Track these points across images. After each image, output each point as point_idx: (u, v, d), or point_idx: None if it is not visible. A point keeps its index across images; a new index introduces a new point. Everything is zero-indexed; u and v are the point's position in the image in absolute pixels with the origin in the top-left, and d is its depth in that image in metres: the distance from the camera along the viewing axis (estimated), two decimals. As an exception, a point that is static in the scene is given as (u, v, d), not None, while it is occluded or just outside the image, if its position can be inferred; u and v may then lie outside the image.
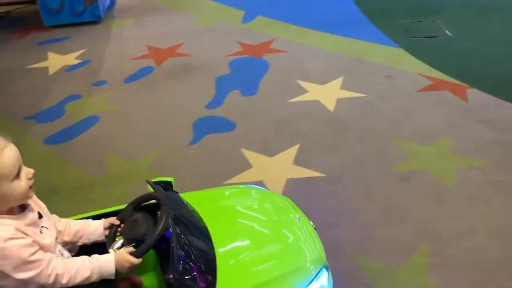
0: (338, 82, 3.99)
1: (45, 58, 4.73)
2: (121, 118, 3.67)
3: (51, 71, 4.47)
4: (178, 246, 1.49)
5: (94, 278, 1.44)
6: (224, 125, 3.49)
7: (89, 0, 5.34)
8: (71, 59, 4.68)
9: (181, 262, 1.48)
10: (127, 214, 1.64)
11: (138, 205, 1.66)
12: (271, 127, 3.45)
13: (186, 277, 1.48)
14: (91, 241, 1.64)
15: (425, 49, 4.48)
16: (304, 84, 3.99)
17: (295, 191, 2.77)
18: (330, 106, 3.66)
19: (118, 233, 1.64)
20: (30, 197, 1.43)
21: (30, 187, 1.40)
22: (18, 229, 1.35)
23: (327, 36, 4.90)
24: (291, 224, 1.87)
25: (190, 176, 2.97)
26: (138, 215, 1.59)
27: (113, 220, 1.65)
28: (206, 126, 3.49)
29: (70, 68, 4.50)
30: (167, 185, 1.81)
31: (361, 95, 3.78)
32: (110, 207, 1.85)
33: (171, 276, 1.45)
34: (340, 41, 4.76)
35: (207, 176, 2.96)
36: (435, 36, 4.74)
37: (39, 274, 1.35)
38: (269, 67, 4.33)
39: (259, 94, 3.89)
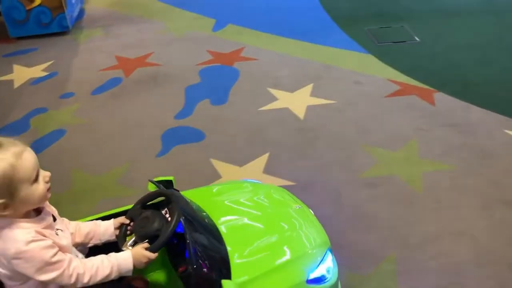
0: (307, 89, 4.00)
1: (11, 71, 4.61)
2: (88, 131, 3.60)
3: (16, 84, 4.36)
4: (193, 240, 1.56)
5: (113, 276, 1.48)
6: (193, 136, 3.45)
7: (56, 10, 5.23)
8: (37, 71, 4.58)
9: (197, 255, 1.55)
10: (136, 212, 1.68)
11: (146, 203, 1.71)
12: (240, 136, 3.42)
13: (204, 269, 1.55)
14: (102, 241, 1.67)
15: (393, 54, 4.53)
16: (275, 92, 3.99)
17: (264, 201, 2.76)
18: (300, 113, 3.66)
19: (128, 232, 1.68)
20: (47, 199, 1.48)
21: (48, 190, 1.44)
22: (37, 232, 1.38)
23: (297, 43, 4.91)
24: (288, 215, 1.94)
25: (158, 188, 2.92)
26: (148, 213, 1.64)
27: (123, 219, 1.69)
28: (174, 137, 3.45)
29: (36, 81, 4.39)
30: (168, 184, 1.84)
31: (330, 102, 3.79)
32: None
33: (189, 267, 1.53)
34: (310, 48, 4.78)
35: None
36: (403, 41, 4.80)
37: (61, 274, 1.39)
38: (239, 75, 4.32)
39: (229, 103, 3.87)
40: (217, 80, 4.25)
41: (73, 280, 1.41)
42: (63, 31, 5.36)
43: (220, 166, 3.11)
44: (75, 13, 5.71)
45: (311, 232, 1.87)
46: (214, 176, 3.01)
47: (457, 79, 4.06)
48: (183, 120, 3.65)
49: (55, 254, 1.38)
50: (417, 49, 4.65)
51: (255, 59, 4.61)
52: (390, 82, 4.03)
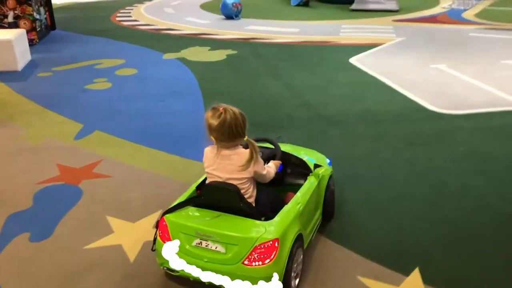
0: (152, 218, 3.44)
1: None
2: None
3: None
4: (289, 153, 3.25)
5: (273, 175, 2.82)
6: (-17, 291, 2.74)
7: None
8: None
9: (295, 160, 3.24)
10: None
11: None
12: (44, 291, 2.75)
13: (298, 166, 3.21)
14: None
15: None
16: (113, 222, 3.41)
17: None
18: (132, 253, 3.07)
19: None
20: None
21: None
22: None
23: (163, 157, 4.44)
24: (302, 148, 3.55)
25: None
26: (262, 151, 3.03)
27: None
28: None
29: None
30: None
31: (173, 236, 3.24)
32: None
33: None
34: (175, 163, 4.31)
35: None
36: (276, 155, 4.45)
37: (266, 171, 2.73)
38: (81, 198, 3.73)
39: (52, 238, 3.22)
40: (52, 205, 3.62)
41: (268, 176, 2.75)
42: None
43: None
44: None
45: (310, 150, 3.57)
46: None
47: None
48: (-18, 267, 2.94)
49: None
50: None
51: (108, 176, 4.07)
52: (247, 209, 3.56)
